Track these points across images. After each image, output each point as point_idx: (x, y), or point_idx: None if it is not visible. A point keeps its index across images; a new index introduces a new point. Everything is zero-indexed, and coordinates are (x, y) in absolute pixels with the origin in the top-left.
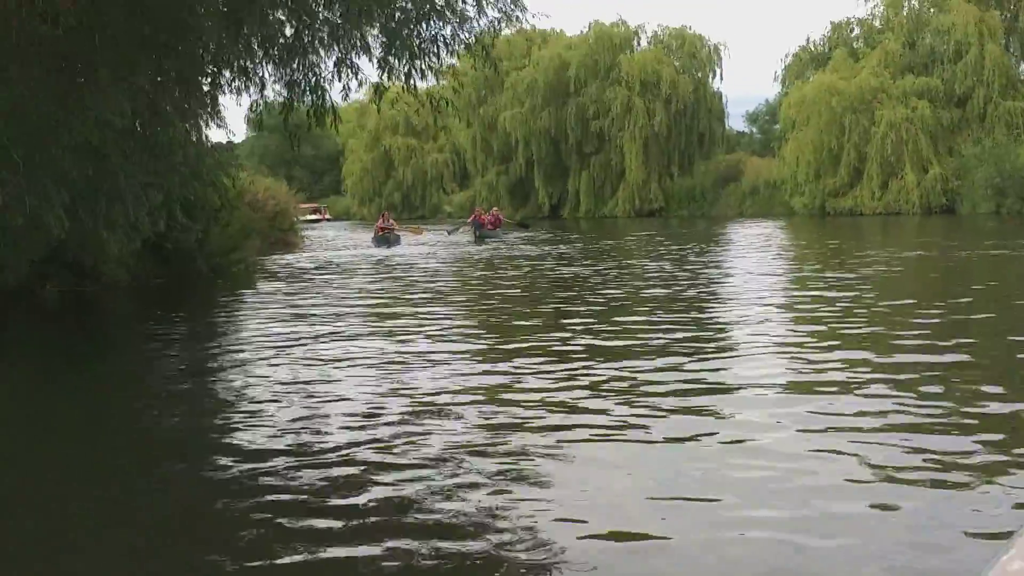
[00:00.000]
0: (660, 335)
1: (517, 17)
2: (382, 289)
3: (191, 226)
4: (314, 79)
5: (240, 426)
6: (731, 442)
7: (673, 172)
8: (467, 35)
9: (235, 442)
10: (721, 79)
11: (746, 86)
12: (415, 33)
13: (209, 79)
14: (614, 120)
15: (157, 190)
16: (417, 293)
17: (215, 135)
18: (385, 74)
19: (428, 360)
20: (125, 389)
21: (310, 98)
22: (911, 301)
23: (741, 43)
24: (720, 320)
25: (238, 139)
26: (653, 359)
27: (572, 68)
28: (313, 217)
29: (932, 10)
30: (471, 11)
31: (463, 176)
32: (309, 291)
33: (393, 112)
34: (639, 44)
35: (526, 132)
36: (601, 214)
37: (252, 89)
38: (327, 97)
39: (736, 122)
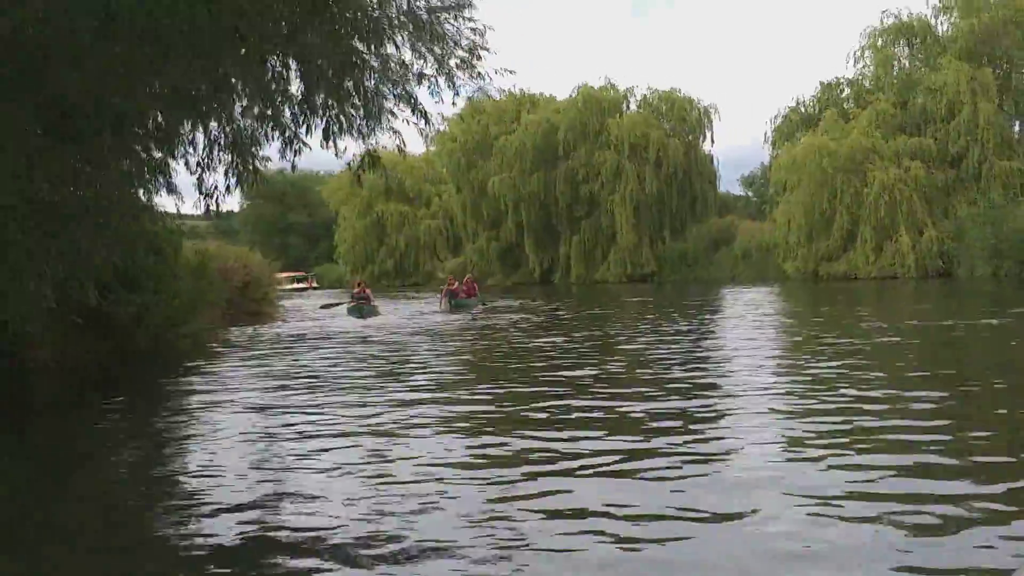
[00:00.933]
0: (646, 415)
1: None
2: (331, 361)
3: (129, 298)
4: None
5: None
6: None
7: (665, 236)
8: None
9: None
10: (712, 142)
11: (741, 149)
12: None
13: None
14: (604, 184)
15: (77, 260)
16: (369, 366)
17: (166, 202)
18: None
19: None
20: None
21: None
22: (902, 375)
23: (734, 105)
24: (707, 397)
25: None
26: (642, 436)
27: (561, 132)
28: (300, 286)
29: (923, 69)
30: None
31: (456, 242)
32: (256, 366)
33: (385, 178)
34: (628, 107)
35: (516, 197)
36: (593, 279)
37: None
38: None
39: (732, 185)
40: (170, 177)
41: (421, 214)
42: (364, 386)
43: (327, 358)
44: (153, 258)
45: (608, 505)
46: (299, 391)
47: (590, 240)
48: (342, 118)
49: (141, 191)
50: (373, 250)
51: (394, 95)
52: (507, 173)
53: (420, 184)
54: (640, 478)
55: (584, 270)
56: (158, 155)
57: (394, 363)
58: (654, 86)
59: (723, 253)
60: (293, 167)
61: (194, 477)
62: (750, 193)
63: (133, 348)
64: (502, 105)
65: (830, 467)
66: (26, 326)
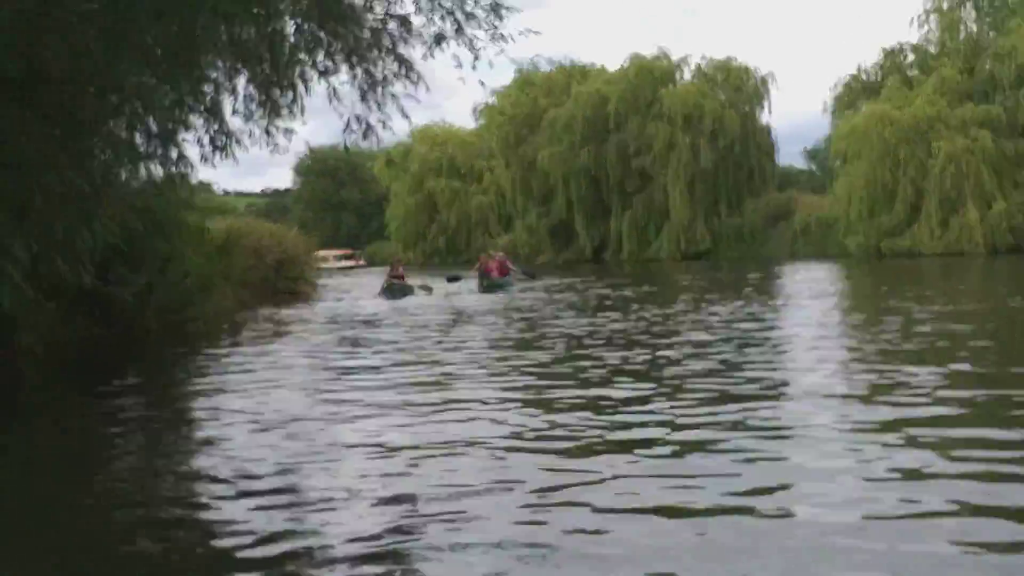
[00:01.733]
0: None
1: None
2: (347, 346)
3: (130, 278)
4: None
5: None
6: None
7: (721, 211)
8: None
9: None
10: (770, 112)
11: (803, 121)
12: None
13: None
14: (656, 157)
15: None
16: (386, 351)
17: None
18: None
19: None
20: None
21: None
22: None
23: (794, 74)
24: (768, 382)
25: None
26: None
27: (611, 103)
28: (347, 264)
29: (991, 33)
30: None
31: (508, 219)
32: (260, 349)
33: (437, 154)
34: (681, 77)
35: (565, 171)
36: (645, 257)
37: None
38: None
39: (795, 158)
40: (179, 148)
41: (473, 190)
42: (367, 368)
43: (342, 341)
44: (158, 236)
45: (667, 488)
46: (292, 376)
47: (642, 216)
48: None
49: (143, 166)
50: (424, 227)
51: (395, 56)
52: (556, 147)
53: (472, 159)
54: (697, 462)
55: (636, 247)
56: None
57: (406, 347)
58: (709, 55)
59: (782, 229)
60: (346, 148)
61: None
62: (814, 166)
63: (137, 331)
64: (552, 77)
65: (896, 457)
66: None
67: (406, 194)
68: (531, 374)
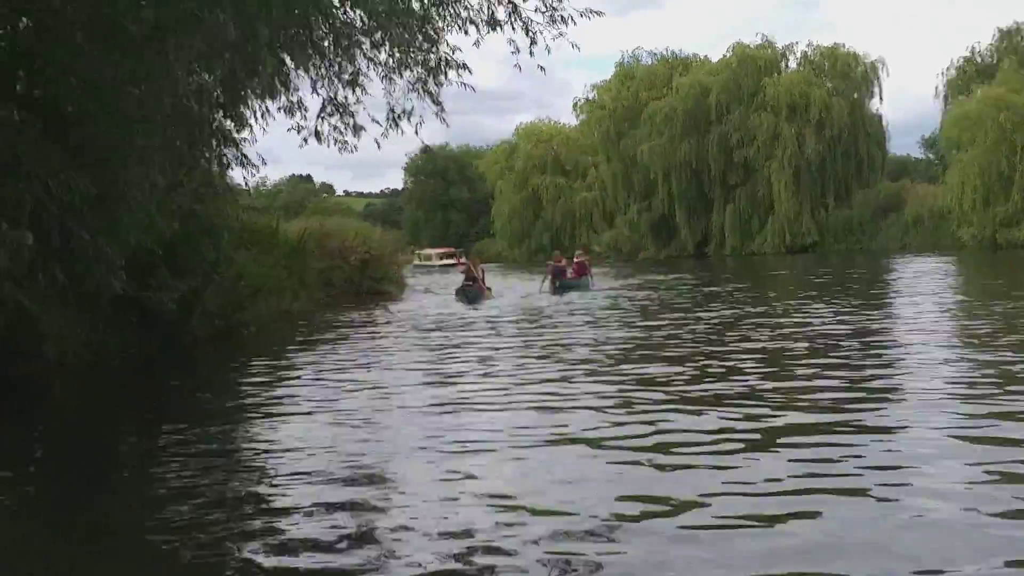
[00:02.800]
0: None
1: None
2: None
3: (173, 284)
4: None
5: None
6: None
7: (828, 203)
8: None
9: None
10: (881, 100)
11: (916, 109)
12: None
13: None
14: (760, 148)
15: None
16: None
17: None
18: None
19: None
20: None
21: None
22: None
23: (907, 60)
24: (881, 380)
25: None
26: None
27: (713, 94)
28: (448, 262)
29: None
30: None
31: (612, 214)
32: (312, 354)
33: (541, 151)
34: (786, 65)
35: (666, 165)
36: (749, 251)
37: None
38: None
39: (912, 148)
40: (239, 149)
41: (577, 186)
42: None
43: (402, 346)
44: (204, 240)
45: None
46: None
47: (746, 209)
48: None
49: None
50: (529, 224)
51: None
52: (657, 140)
53: (577, 155)
54: (807, 458)
55: (739, 241)
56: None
57: (471, 354)
58: (815, 41)
59: (892, 220)
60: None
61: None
62: (931, 155)
63: (182, 338)
64: (653, 70)
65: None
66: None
67: (511, 191)
68: (630, 376)
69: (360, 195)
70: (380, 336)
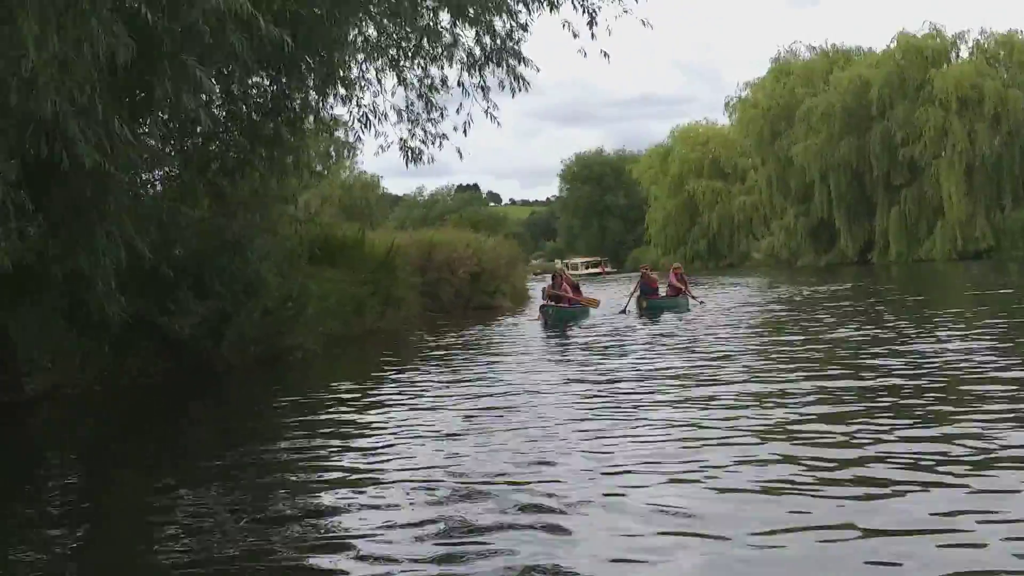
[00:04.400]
0: None
1: None
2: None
3: (193, 306)
4: None
5: None
6: None
7: (1004, 204)
8: None
9: None
10: None
11: None
12: None
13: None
14: (927, 146)
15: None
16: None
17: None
18: None
19: None
20: None
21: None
22: None
23: None
24: None
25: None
26: None
27: (874, 88)
28: (593, 271)
29: None
30: None
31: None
32: (363, 392)
33: (697, 154)
34: (956, 55)
35: (823, 166)
36: (916, 257)
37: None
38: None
39: None
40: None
41: (736, 190)
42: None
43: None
44: (236, 256)
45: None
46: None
47: (912, 212)
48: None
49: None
50: (685, 230)
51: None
52: (813, 140)
53: (736, 157)
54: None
55: (905, 247)
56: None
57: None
58: (988, 28)
59: None
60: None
61: None
62: None
63: (210, 367)
64: (810, 64)
65: None
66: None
67: (665, 197)
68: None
69: (526, 203)
70: (442, 359)
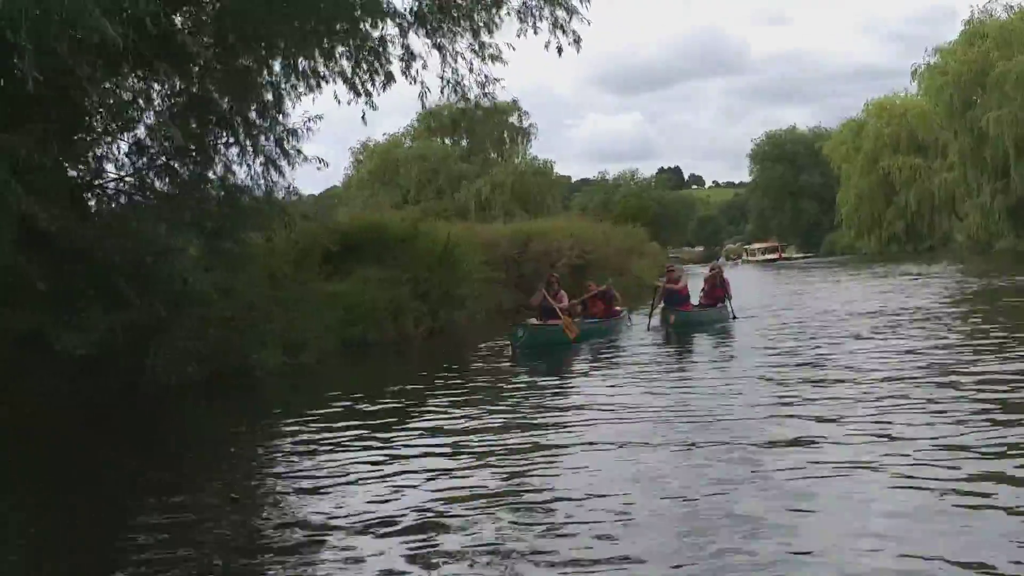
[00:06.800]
0: None
1: None
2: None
3: (91, 322)
4: None
5: None
6: None
7: None
8: None
9: None
10: None
11: None
12: None
13: None
14: None
15: None
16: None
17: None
18: None
19: None
20: None
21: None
22: None
23: None
24: None
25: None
26: None
27: None
28: (769, 257)
29: None
30: None
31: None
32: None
33: (893, 128)
34: None
35: (1019, 137)
36: None
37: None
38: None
39: None
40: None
41: (937, 166)
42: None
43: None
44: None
45: None
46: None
47: None
48: None
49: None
50: (879, 211)
51: None
52: (1008, 108)
53: (937, 131)
54: None
55: None
56: None
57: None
58: None
59: None
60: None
61: None
62: None
63: (142, 388)
64: (1008, 25)
65: None
66: None
67: (858, 175)
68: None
69: (731, 185)
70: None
